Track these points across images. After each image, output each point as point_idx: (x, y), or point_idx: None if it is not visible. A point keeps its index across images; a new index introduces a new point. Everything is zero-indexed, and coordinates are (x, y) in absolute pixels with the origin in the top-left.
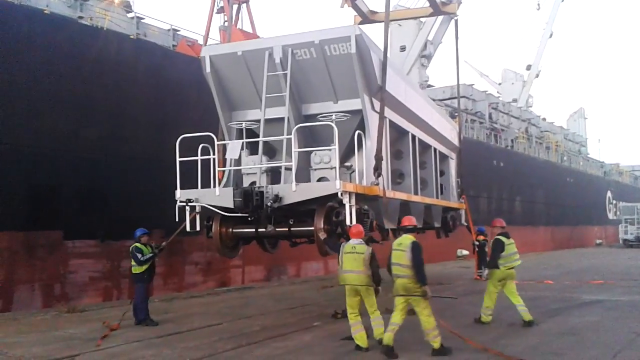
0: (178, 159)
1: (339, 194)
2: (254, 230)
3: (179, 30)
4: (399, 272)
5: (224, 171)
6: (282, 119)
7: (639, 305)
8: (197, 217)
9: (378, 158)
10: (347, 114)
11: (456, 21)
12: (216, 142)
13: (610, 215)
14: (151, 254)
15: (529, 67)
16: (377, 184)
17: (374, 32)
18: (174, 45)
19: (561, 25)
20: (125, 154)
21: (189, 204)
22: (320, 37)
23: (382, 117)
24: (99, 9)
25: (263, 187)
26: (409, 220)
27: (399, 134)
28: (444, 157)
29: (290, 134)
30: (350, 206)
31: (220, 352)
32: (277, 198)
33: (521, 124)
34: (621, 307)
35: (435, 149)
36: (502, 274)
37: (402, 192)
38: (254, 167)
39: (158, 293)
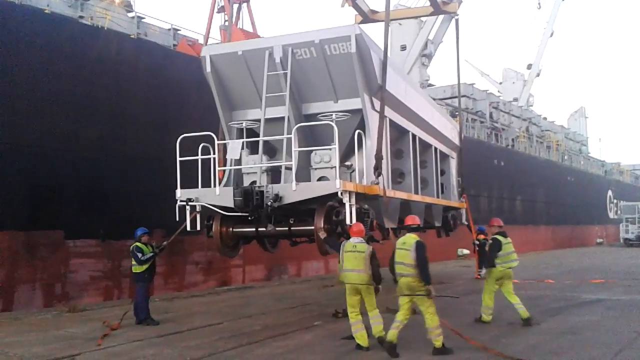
0: (178, 159)
1: (339, 194)
2: (254, 229)
3: (179, 30)
4: (403, 271)
5: (224, 171)
6: (282, 118)
7: (639, 304)
8: (198, 216)
9: (378, 157)
10: (347, 114)
11: (457, 20)
12: (216, 142)
13: (611, 215)
14: (151, 254)
15: (529, 66)
16: (378, 183)
17: (375, 32)
18: (174, 45)
19: (562, 24)
20: (126, 153)
21: (190, 203)
22: (321, 36)
23: (382, 117)
24: (99, 8)
25: (263, 186)
26: (413, 220)
27: (399, 133)
28: (444, 157)
29: (291, 134)
30: (351, 205)
31: (221, 351)
32: (277, 197)
33: (522, 123)
34: (622, 307)
35: (435, 148)
36: (500, 273)
37: (402, 192)
38: (254, 167)
39: (159, 292)
